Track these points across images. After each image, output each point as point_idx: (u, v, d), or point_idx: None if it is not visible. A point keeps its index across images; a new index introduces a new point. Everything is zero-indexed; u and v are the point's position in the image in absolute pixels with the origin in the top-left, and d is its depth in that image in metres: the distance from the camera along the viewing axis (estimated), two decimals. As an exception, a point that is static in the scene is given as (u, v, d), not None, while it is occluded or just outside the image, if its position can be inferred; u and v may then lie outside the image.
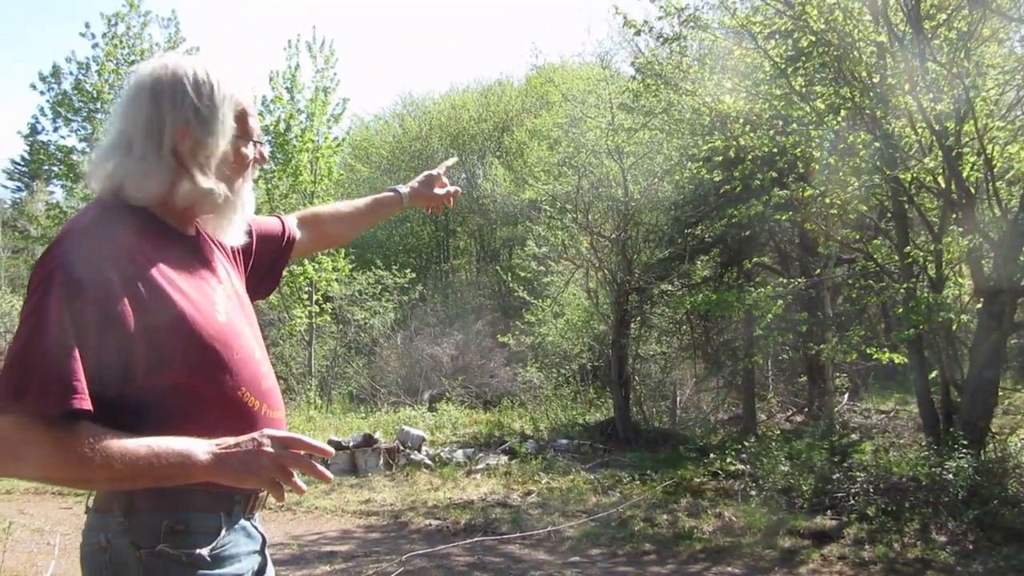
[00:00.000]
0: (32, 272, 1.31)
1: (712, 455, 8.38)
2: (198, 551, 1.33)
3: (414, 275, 18.52)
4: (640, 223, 12.16)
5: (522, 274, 16.24)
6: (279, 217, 1.92)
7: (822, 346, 8.75)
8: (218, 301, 1.43)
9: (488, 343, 17.01)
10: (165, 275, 1.35)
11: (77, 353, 1.20)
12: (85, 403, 1.20)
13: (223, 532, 1.38)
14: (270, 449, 1.29)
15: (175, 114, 1.39)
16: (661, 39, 8.65)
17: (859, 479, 6.79)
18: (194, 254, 1.47)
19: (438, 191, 2.16)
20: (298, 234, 1.91)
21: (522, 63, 48.88)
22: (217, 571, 1.35)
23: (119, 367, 1.26)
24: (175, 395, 1.33)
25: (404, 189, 2.15)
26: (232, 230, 1.53)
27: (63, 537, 6.02)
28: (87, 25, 14.18)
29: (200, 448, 1.28)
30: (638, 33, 8.53)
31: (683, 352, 13.98)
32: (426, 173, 2.16)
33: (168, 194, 1.41)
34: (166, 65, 1.42)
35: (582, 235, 11.89)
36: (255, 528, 1.50)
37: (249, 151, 1.50)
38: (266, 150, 1.57)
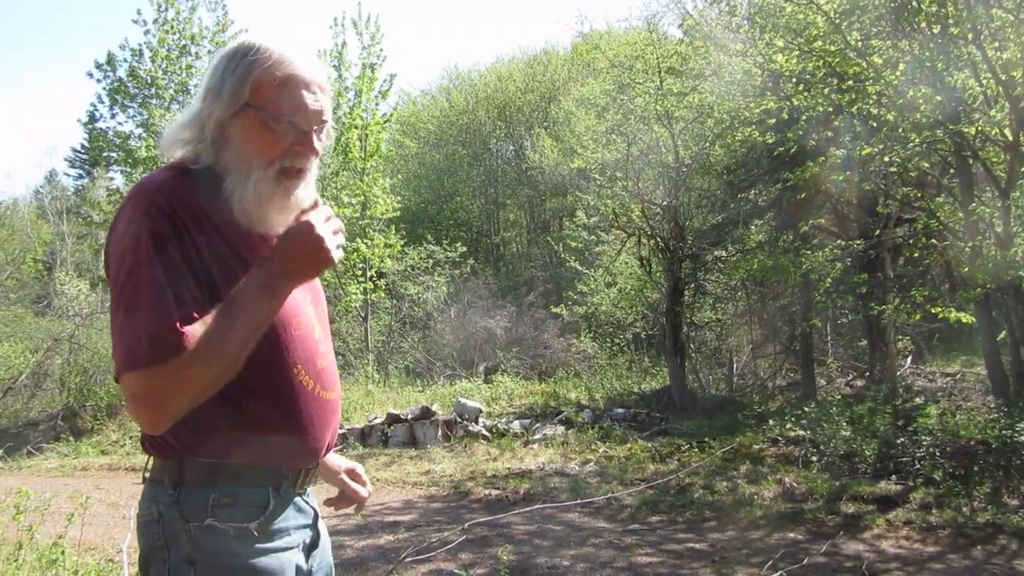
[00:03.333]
0: (114, 223, 1.34)
1: (771, 421, 8.29)
2: (246, 525, 1.35)
3: (465, 249, 18.63)
4: (692, 188, 11.99)
5: (573, 244, 16.20)
6: None
7: (884, 307, 8.54)
8: None
9: (541, 314, 17.07)
10: (229, 242, 1.35)
11: (172, 299, 1.24)
12: (189, 339, 1.23)
13: (271, 506, 1.39)
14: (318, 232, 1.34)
15: (209, 81, 1.40)
16: (710, 1, 8.45)
17: (925, 443, 6.64)
18: None
19: (357, 488, 1.78)
20: None
21: (567, 31, 48.25)
22: (266, 544, 1.37)
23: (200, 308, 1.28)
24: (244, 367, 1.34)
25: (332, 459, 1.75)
26: (263, 222, 1.40)
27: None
28: (139, 12, 14.53)
29: (258, 278, 1.32)
30: (686, -6, 8.34)
31: (739, 318, 13.81)
32: (354, 466, 1.80)
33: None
34: (238, 41, 1.44)
35: (633, 203, 11.77)
36: (306, 503, 1.50)
37: (281, 132, 1.36)
38: (320, 141, 1.42)
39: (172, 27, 14.24)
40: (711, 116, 10.90)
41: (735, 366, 13.21)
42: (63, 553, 3.95)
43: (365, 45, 14.93)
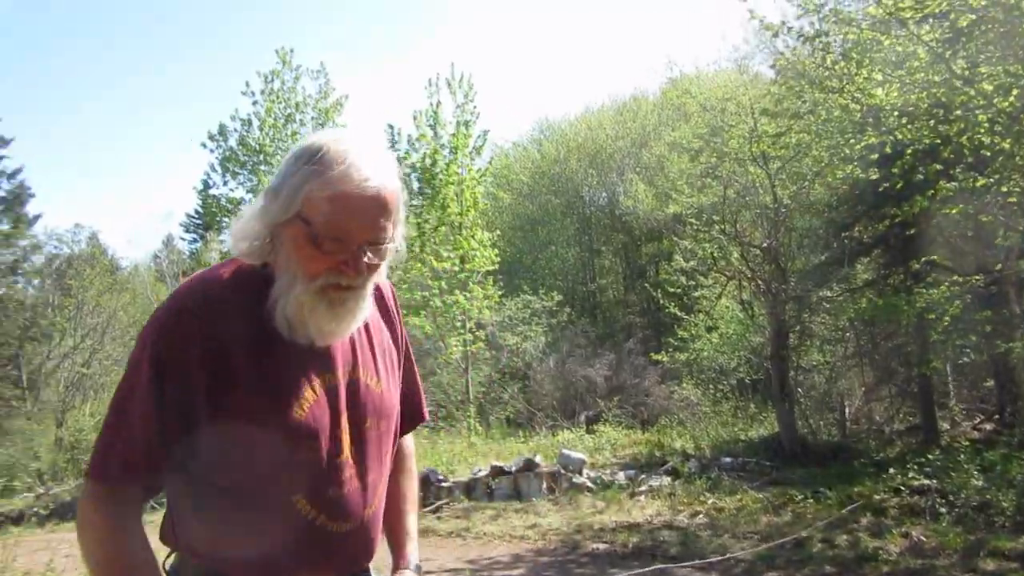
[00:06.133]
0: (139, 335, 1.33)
1: (892, 469, 7.85)
2: None
3: (561, 297, 18.65)
4: (792, 229, 11.71)
5: (671, 289, 15.99)
6: (420, 409, 1.74)
7: (1012, 345, 8.02)
8: (306, 394, 1.33)
9: (641, 361, 16.83)
10: (248, 357, 1.29)
11: (156, 430, 1.24)
12: (127, 480, 1.26)
13: None
14: None
15: (274, 179, 1.34)
16: (801, 38, 8.34)
17: (1068, 492, 6.15)
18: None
19: None
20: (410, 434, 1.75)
21: (656, 77, 48.33)
22: None
23: (190, 448, 1.27)
24: (227, 490, 1.31)
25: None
26: (304, 332, 1.32)
27: None
28: (247, 84, 15.44)
29: None
30: (776, 35, 8.25)
31: (849, 361, 13.24)
32: None
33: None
34: (311, 140, 1.34)
35: (731, 245, 11.57)
36: None
37: (325, 250, 1.27)
38: (375, 259, 1.31)
39: (278, 96, 15.11)
40: (808, 155, 10.66)
41: (847, 411, 12.63)
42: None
43: (459, 103, 15.39)
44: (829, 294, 11.50)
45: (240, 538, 1.31)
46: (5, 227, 19.21)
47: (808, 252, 11.80)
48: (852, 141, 8.57)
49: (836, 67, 8.20)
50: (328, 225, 1.26)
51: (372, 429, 1.44)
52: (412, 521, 1.68)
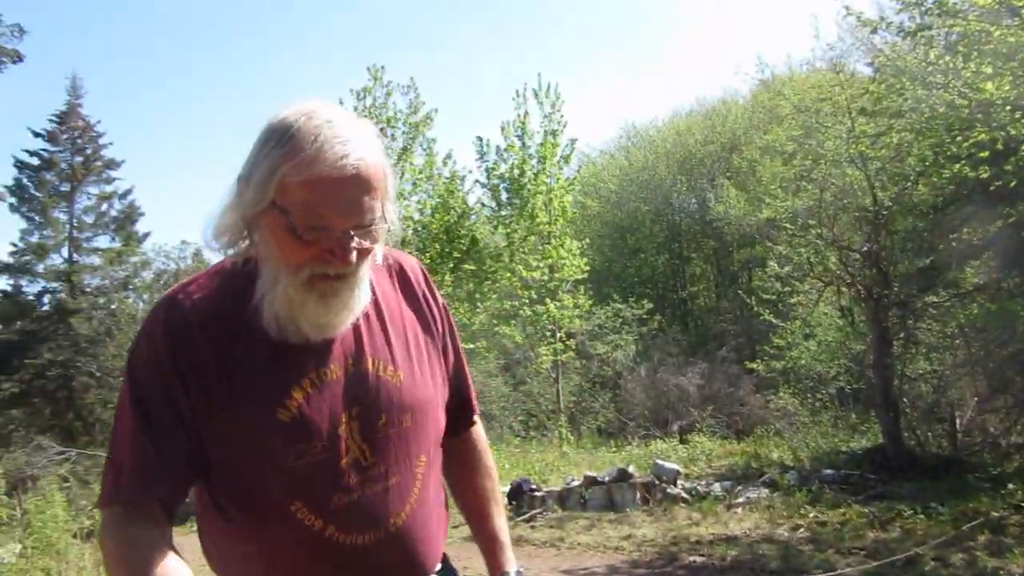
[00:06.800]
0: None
1: (1011, 484, 7.42)
2: None
3: (651, 305, 18.46)
4: (894, 232, 11.23)
5: (765, 296, 15.59)
6: (470, 402, 1.57)
7: None
8: (294, 394, 1.21)
9: (735, 370, 16.47)
10: (225, 365, 1.20)
11: (139, 444, 1.17)
12: (125, 497, 1.17)
13: None
14: None
15: (243, 165, 1.21)
16: (902, 33, 8.05)
17: None
18: None
19: None
20: (464, 433, 1.58)
21: (746, 79, 47.35)
22: None
23: (188, 458, 1.20)
24: (228, 503, 1.24)
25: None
26: (296, 330, 1.21)
27: None
28: (340, 101, 15.86)
29: None
30: (874, 31, 8.01)
31: (959, 369, 12.58)
32: None
33: None
34: (280, 117, 1.19)
35: (829, 250, 11.19)
36: None
37: (308, 239, 1.15)
38: (365, 242, 1.18)
39: (370, 113, 15.47)
40: (911, 154, 10.23)
41: (958, 422, 12.00)
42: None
43: (546, 113, 15.47)
44: (935, 299, 10.98)
45: (251, 560, 1.25)
46: (117, 245, 20.42)
47: (912, 256, 11.28)
48: (959, 138, 8.18)
49: (940, 61, 7.88)
50: (306, 213, 1.13)
51: (392, 426, 1.28)
52: (499, 524, 1.53)
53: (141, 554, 1.11)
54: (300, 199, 1.12)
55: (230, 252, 1.26)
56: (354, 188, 1.14)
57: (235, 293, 1.23)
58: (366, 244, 1.18)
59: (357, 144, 1.14)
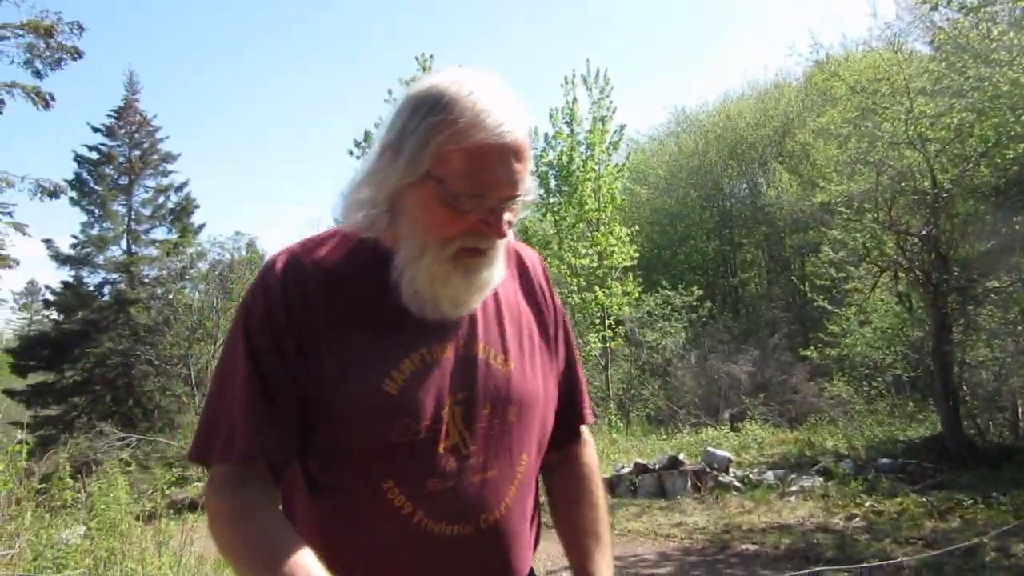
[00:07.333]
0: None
1: (1077, 475, 7.20)
2: None
3: (701, 292, 18.28)
4: (954, 215, 10.91)
5: (819, 282, 15.29)
6: (580, 410, 1.42)
7: None
8: (402, 366, 1.16)
9: (787, 357, 16.23)
10: (339, 328, 1.16)
11: (255, 401, 1.12)
12: (236, 454, 1.11)
13: None
14: None
15: (387, 135, 1.17)
16: (964, 9, 7.80)
17: None
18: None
19: None
20: (577, 441, 1.42)
21: (799, 61, 46.35)
22: None
23: (291, 426, 1.14)
24: (321, 475, 1.19)
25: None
26: (436, 306, 1.17)
27: None
28: (389, 92, 15.98)
29: None
30: (935, 8, 7.78)
31: (1021, 356, 12.21)
32: None
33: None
34: (427, 85, 1.16)
35: (885, 235, 10.93)
36: None
37: (464, 209, 1.12)
38: (513, 216, 1.16)
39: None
40: (972, 135, 9.92)
41: (1020, 410, 11.66)
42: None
43: (595, 99, 15.37)
44: (997, 285, 10.65)
45: (331, 537, 1.17)
46: (174, 236, 20.95)
47: (973, 240, 10.94)
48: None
49: (1004, 38, 7.63)
50: (467, 181, 1.10)
51: (495, 416, 1.21)
52: (600, 566, 1.29)
53: (264, 537, 1.06)
54: (458, 168, 1.10)
55: (364, 229, 1.20)
56: (512, 156, 1.11)
57: (358, 261, 1.20)
58: (513, 217, 1.15)
59: (512, 113, 1.12)
